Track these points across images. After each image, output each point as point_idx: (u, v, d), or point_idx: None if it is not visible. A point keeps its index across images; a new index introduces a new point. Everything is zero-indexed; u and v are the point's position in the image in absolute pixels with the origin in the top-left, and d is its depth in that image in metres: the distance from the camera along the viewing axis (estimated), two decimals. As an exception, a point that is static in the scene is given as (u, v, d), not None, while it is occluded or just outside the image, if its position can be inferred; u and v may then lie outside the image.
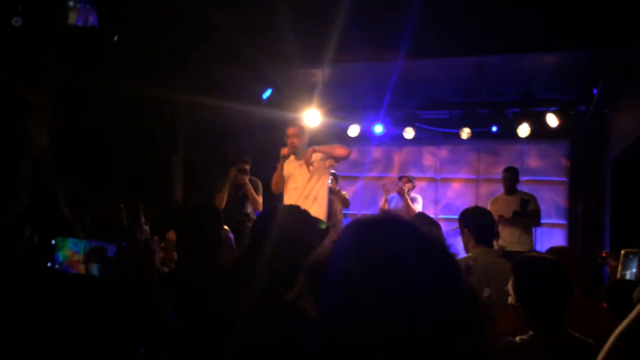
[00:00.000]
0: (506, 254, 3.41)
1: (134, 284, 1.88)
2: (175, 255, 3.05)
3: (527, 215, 5.93)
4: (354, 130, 7.71)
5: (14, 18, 4.01)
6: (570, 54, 5.88)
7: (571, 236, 7.60)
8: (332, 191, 5.57)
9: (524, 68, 6.40)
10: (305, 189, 4.84)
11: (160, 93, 5.73)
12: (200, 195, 6.63)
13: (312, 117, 6.48)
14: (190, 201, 6.90)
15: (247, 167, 5.65)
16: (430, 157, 8.30)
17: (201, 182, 6.73)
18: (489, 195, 7.86)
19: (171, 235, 3.42)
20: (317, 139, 5.33)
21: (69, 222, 2.23)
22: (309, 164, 4.77)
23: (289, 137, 4.92)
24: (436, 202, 8.18)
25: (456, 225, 3.42)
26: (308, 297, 0.89)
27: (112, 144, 6.26)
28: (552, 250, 2.93)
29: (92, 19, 4.19)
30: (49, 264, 1.84)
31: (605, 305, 2.51)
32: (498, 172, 7.72)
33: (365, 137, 7.85)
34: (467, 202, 7.77)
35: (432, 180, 8.27)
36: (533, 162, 7.80)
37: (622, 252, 3.29)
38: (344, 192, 6.62)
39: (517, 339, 1.97)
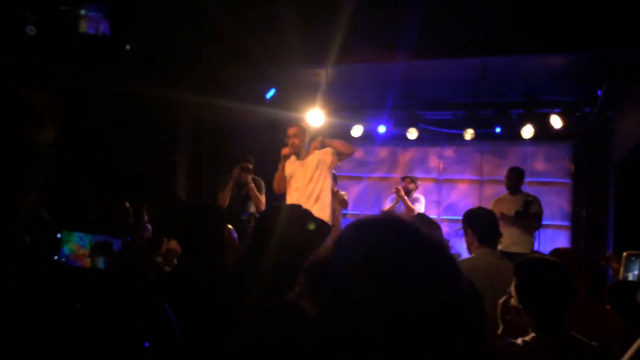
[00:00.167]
0: (506, 255, 3.40)
1: (136, 279, 1.89)
2: (176, 261, 3.06)
3: (528, 217, 5.91)
4: (357, 131, 7.71)
5: (28, 27, 4.05)
6: (575, 56, 5.86)
7: (575, 238, 7.58)
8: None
9: (528, 69, 6.39)
10: (307, 189, 4.85)
11: (165, 93, 5.74)
12: (204, 195, 6.64)
13: (315, 117, 6.48)
14: (194, 200, 6.91)
15: (250, 166, 5.65)
16: (433, 158, 8.30)
17: (205, 182, 6.74)
18: (493, 197, 7.83)
19: (174, 244, 3.41)
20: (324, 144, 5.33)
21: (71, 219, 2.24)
22: (315, 148, 4.81)
23: (289, 137, 4.94)
24: (439, 203, 8.18)
25: (459, 226, 3.41)
26: (308, 297, 0.89)
27: (116, 143, 6.27)
28: (556, 252, 2.93)
29: (103, 27, 4.23)
30: (55, 257, 1.86)
31: (608, 307, 2.50)
32: (502, 173, 7.69)
33: (369, 137, 7.85)
34: (470, 203, 7.76)
35: (435, 181, 8.27)
36: (537, 163, 7.79)
37: (624, 254, 3.29)
38: (342, 193, 6.62)
39: (519, 340, 1.97)
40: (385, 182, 8.16)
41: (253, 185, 5.59)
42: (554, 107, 7.09)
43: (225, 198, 5.54)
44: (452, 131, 7.66)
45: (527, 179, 6.69)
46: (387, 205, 7.19)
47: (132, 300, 1.87)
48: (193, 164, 7.09)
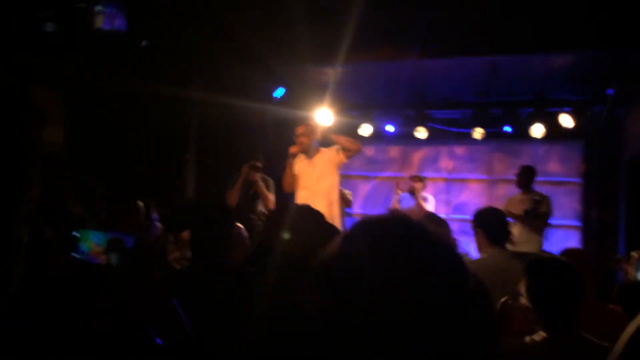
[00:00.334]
0: (515, 255, 3.39)
1: (143, 277, 1.91)
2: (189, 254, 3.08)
3: (536, 216, 5.87)
4: (365, 130, 7.70)
5: (47, 23, 4.08)
6: (585, 54, 5.83)
7: (585, 238, 7.53)
8: None
9: (538, 68, 6.35)
10: (315, 187, 4.86)
11: (174, 92, 5.76)
12: (213, 193, 6.66)
13: (324, 116, 6.49)
14: (203, 199, 6.93)
15: (259, 164, 5.66)
16: (442, 157, 8.27)
17: (214, 180, 6.76)
18: (502, 196, 7.80)
19: (185, 234, 3.44)
20: (325, 140, 5.34)
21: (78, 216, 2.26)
22: (314, 140, 4.83)
23: (298, 136, 4.95)
24: (448, 202, 8.15)
25: (469, 225, 3.41)
26: (315, 296, 0.89)
27: (125, 142, 6.30)
28: (566, 252, 2.91)
29: (118, 23, 4.26)
30: (73, 254, 1.90)
31: (618, 308, 2.49)
32: (511, 172, 7.65)
33: (377, 136, 7.83)
34: (479, 202, 7.73)
35: (444, 180, 8.24)
36: (546, 163, 7.75)
37: (633, 254, 3.26)
38: (346, 192, 6.62)
39: (528, 339, 1.96)
40: (394, 181, 8.14)
41: (262, 183, 5.60)
42: (563, 106, 7.05)
43: (234, 197, 5.55)
44: (461, 130, 7.63)
45: (537, 179, 6.64)
46: (395, 204, 7.19)
47: (140, 296, 1.89)
48: (202, 163, 7.11)
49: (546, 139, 7.23)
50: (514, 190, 6.43)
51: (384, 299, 0.79)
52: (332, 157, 4.94)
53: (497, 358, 1.71)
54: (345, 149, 4.94)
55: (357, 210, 8.35)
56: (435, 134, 7.68)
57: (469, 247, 6.26)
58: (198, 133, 7.11)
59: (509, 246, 5.84)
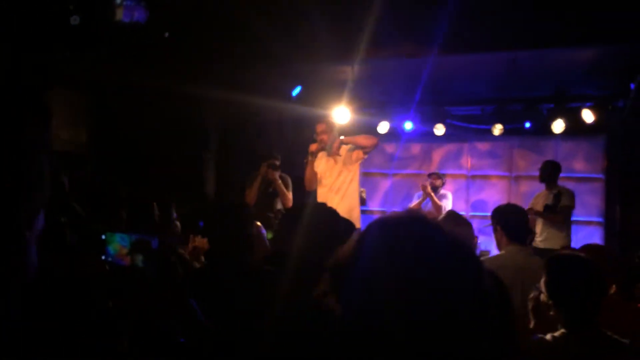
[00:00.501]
0: (536, 252, 3.36)
1: (167, 276, 1.93)
2: (203, 257, 3.11)
3: (555, 211, 5.79)
4: (383, 127, 7.67)
5: (72, 17, 4.12)
6: (607, 48, 5.74)
7: (607, 235, 7.42)
8: None
9: (559, 63, 6.27)
10: (335, 185, 4.87)
11: (193, 91, 5.81)
12: (231, 192, 6.71)
13: (341, 114, 6.48)
14: (221, 197, 6.98)
15: (278, 163, 5.69)
16: (462, 154, 8.21)
17: (232, 179, 6.81)
18: (523, 193, 7.74)
19: (200, 241, 3.45)
20: (346, 136, 5.34)
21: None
22: (336, 154, 4.82)
23: (318, 134, 4.96)
24: (467, 199, 8.09)
25: (488, 223, 3.38)
26: (333, 295, 0.90)
27: (145, 141, 6.38)
28: (586, 248, 2.88)
29: (137, 15, 4.29)
30: (102, 257, 1.95)
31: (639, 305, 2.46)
32: (531, 169, 7.58)
33: (396, 133, 7.80)
34: (499, 199, 7.66)
35: (463, 177, 8.18)
36: (568, 159, 7.63)
37: None
38: (361, 189, 6.62)
39: (549, 336, 1.95)
40: (412, 178, 8.11)
41: (280, 182, 5.62)
42: (585, 101, 6.94)
43: (252, 195, 5.59)
44: (480, 127, 7.56)
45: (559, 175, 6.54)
46: (415, 202, 7.16)
47: (166, 296, 1.92)
48: (220, 162, 7.16)
49: (568, 134, 7.13)
50: (535, 187, 6.36)
51: (400, 298, 0.80)
52: (352, 154, 4.95)
53: (517, 355, 1.70)
54: (363, 146, 4.94)
55: (376, 207, 8.33)
56: (455, 131, 7.62)
57: (490, 244, 6.22)
58: (217, 132, 7.17)
59: (536, 242, 5.82)
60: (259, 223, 3.52)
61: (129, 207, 3.05)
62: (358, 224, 4.93)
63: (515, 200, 7.24)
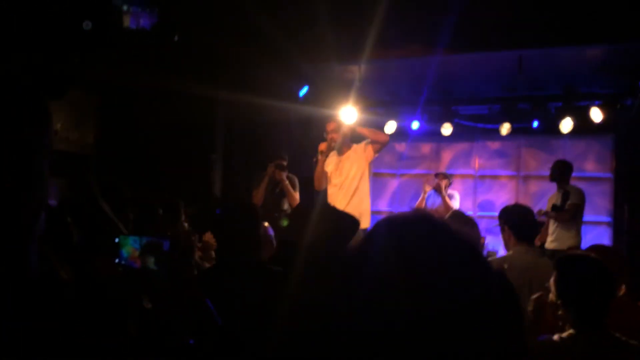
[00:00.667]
0: (543, 252, 3.35)
1: (182, 277, 1.95)
2: (214, 254, 3.12)
3: (560, 210, 5.75)
4: (391, 127, 7.66)
5: (84, 22, 4.17)
6: (615, 46, 5.70)
7: (616, 234, 7.37)
8: None
9: (567, 61, 6.24)
10: (346, 184, 4.87)
11: (200, 92, 5.83)
12: (239, 192, 6.71)
13: (348, 113, 6.49)
14: (229, 198, 6.99)
15: (285, 163, 5.69)
16: (470, 153, 8.18)
17: (239, 179, 6.82)
18: (532, 192, 7.70)
19: (209, 236, 3.47)
20: (353, 136, 5.34)
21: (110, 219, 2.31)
22: (345, 145, 4.82)
23: (329, 133, 4.96)
24: (475, 199, 8.07)
25: (496, 223, 3.38)
26: (340, 294, 0.90)
27: (152, 142, 6.40)
28: (594, 248, 2.86)
29: (143, 21, 4.35)
30: (117, 260, 1.96)
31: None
32: (540, 168, 7.55)
33: (403, 133, 7.78)
34: (507, 199, 7.63)
35: (470, 176, 8.16)
36: (576, 158, 7.58)
37: None
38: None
39: (556, 337, 1.94)
40: (420, 178, 8.09)
41: (287, 182, 5.63)
42: (593, 100, 6.90)
43: (259, 195, 5.60)
44: (488, 126, 7.53)
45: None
46: (420, 201, 7.15)
47: (177, 297, 1.93)
48: (228, 162, 7.17)
49: (576, 133, 7.08)
50: (543, 187, 6.34)
51: (406, 298, 0.80)
52: (361, 153, 4.94)
53: (525, 356, 1.70)
54: (372, 142, 4.93)
55: (384, 207, 8.33)
56: (462, 130, 7.59)
57: (498, 245, 6.19)
58: (224, 132, 7.18)
59: (547, 242, 5.78)
60: (266, 223, 3.52)
61: (140, 209, 3.07)
62: (368, 222, 4.93)
63: (523, 200, 7.21)
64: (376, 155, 5.06)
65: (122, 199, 2.69)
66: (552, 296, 2.06)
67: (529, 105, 7.12)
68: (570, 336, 1.93)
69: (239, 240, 2.49)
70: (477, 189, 8.10)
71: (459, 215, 3.75)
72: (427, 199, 7.14)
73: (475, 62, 6.39)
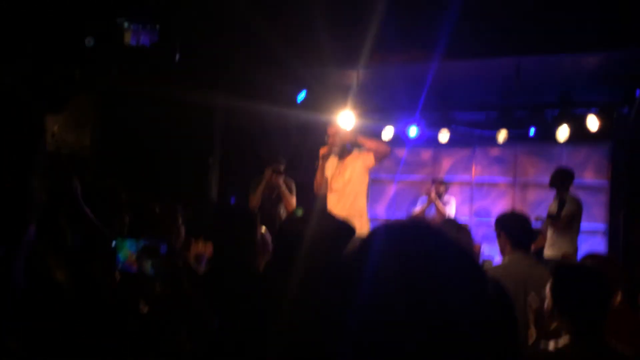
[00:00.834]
0: (539, 259, 3.35)
1: (178, 281, 1.94)
2: (209, 258, 3.11)
3: (556, 218, 5.76)
4: (388, 132, 7.67)
5: (86, 38, 4.23)
6: (612, 54, 5.72)
7: (611, 242, 7.38)
8: None
9: (564, 69, 6.26)
10: (346, 190, 4.85)
11: (198, 96, 5.83)
12: (236, 197, 6.71)
13: (346, 118, 6.50)
14: (226, 202, 6.99)
15: (282, 168, 5.69)
16: (467, 159, 8.19)
17: (237, 184, 6.81)
18: (527, 200, 7.71)
19: (201, 247, 3.45)
20: (356, 141, 5.33)
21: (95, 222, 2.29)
22: (345, 142, 4.80)
23: (329, 137, 4.94)
24: (471, 205, 8.07)
25: (492, 229, 3.38)
26: (336, 300, 0.90)
27: (150, 146, 6.40)
28: (589, 257, 2.87)
29: (143, 39, 4.41)
30: (114, 265, 1.95)
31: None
32: (536, 175, 7.57)
33: (400, 139, 7.79)
34: (503, 206, 7.64)
35: (467, 183, 8.16)
36: (573, 165, 7.60)
37: None
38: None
39: (552, 345, 1.94)
40: (416, 184, 8.10)
41: (284, 187, 5.62)
42: (590, 108, 6.92)
43: (256, 200, 5.59)
44: (485, 132, 7.55)
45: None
46: (418, 208, 7.15)
47: (174, 301, 1.92)
48: (225, 166, 7.17)
49: (573, 141, 7.09)
50: (541, 194, 6.34)
51: (401, 304, 0.80)
52: (363, 160, 4.92)
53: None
54: (376, 152, 4.91)
55: (381, 213, 8.32)
56: (459, 136, 7.61)
57: (494, 251, 6.20)
58: (222, 137, 7.18)
59: (546, 249, 5.77)
60: (263, 228, 3.51)
61: (133, 211, 3.05)
62: (367, 228, 4.92)
63: (519, 208, 7.22)
64: (377, 164, 5.04)
65: (119, 202, 2.68)
66: (548, 304, 2.06)
67: (526, 113, 7.14)
68: (566, 345, 1.93)
69: (235, 245, 2.48)
70: (473, 195, 8.11)
71: (451, 222, 3.76)
72: (421, 206, 7.15)
73: (472, 69, 6.41)
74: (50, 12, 4.15)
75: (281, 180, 5.63)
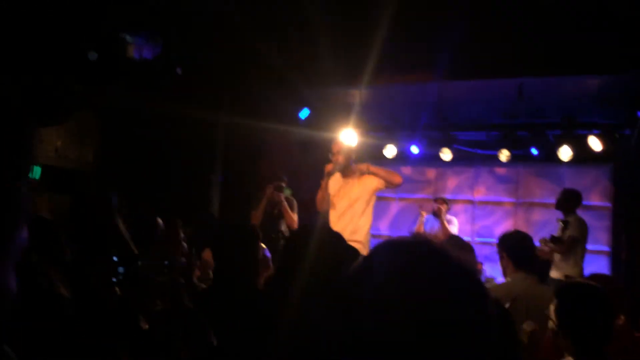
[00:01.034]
0: (541, 280, 3.33)
1: (179, 297, 1.93)
2: (211, 274, 3.10)
3: (559, 241, 5.71)
4: (390, 151, 7.68)
5: (89, 53, 4.26)
6: (614, 76, 5.75)
7: (614, 264, 7.34)
8: None
9: (566, 90, 6.29)
10: (350, 209, 4.81)
11: (201, 114, 5.86)
12: (237, 213, 6.70)
13: (349, 137, 6.52)
14: (227, 218, 6.98)
15: (284, 185, 5.69)
16: (468, 179, 8.19)
17: (238, 200, 6.81)
18: (529, 220, 7.69)
19: (207, 254, 3.46)
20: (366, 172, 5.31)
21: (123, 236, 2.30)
22: (358, 173, 4.76)
23: (334, 154, 4.91)
24: (473, 225, 8.05)
25: (494, 249, 3.37)
26: (336, 318, 0.89)
27: (152, 162, 6.42)
28: (592, 277, 2.85)
29: (146, 52, 4.44)
30: (114, 279, 1.95)
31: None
32: (537, 196, 7.56)
33: (402, 157, 7.80)
34: (505, 226, 7.62)
35: (469, 202, 8.15)
36: (575, 186, 7.59)
37: None
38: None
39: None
40: (418, 203, 8.08)
41: (286, 204, 5.62)
42: (592, 129, 6.94)
43: (257, 217, 5.58)
44: (487, 152, 7.56)
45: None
46: (417, 226, 7.14)
47: (174, 316, 1.91)
48: (227, 183, 7.18)
49: (575, 162, 7.10)
50: (544, 214, 6.31)
51: (404, 322, 0.80)
52: (370, 182, 4.85)
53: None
54: (385, 181, 4.85)
55: (383, 232, 8.30)
56: (461, 156, 7.61)
57: (496, 271, 6.16)
58: (224, 154, 7.20)
59: (552, 270, 5.73)
60: (263, 245, 3.51)
61: (134, 226, 3.05)
62: (366, 251, 4.87)
63: (522, 228, 7.19)
64: (383, 188, 4.97)
65: (120, 217, 2.68)
66: (551, 324, 2.05)
67: (528, 133, 7.16)
68: (569, 365, 1.91)
69: (236, 262, 2.47)
70: (475, 215, 8.09)
71: (455, 240, 3.75)
72: (425, 224, 7.13)
73: (474, 89, 6.44)
74: (53, 25, 4.19)
75: (283, 197, 5.63)
